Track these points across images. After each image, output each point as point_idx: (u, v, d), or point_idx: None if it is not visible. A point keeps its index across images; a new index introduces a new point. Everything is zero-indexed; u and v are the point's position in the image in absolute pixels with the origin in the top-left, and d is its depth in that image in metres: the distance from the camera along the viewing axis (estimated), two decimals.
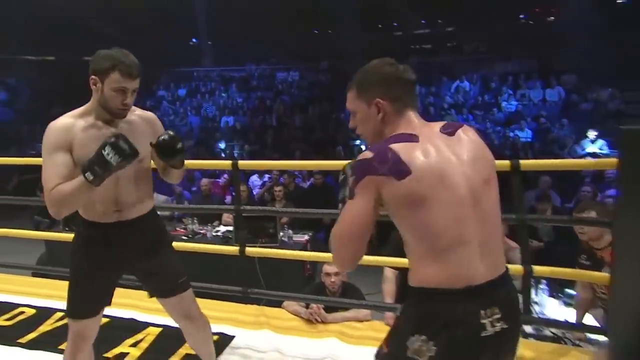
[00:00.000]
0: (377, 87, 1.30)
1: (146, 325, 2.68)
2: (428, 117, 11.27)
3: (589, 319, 2.84)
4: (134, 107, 1.73)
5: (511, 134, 9.74)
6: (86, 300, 1.78)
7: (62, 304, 2.90)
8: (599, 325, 2.70)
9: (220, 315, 2.76)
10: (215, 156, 9.84)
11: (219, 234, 4.69)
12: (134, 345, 2.51)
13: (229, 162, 2.81)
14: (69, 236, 4.51)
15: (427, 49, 14.30)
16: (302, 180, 7.38)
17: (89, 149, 1.56)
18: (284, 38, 14.87)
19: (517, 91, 11.20)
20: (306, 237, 4.77)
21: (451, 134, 1.27)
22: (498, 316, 1.19)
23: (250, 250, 2.82)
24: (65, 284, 3.26)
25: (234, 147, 11.27)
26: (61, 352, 2.41)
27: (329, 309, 2.79)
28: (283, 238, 4.54)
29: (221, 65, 15.62)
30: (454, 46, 13.84)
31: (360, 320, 2.76)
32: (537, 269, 2.39)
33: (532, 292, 2.55)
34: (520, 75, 11.38)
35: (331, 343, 2.49)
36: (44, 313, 2.85)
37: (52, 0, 11.84)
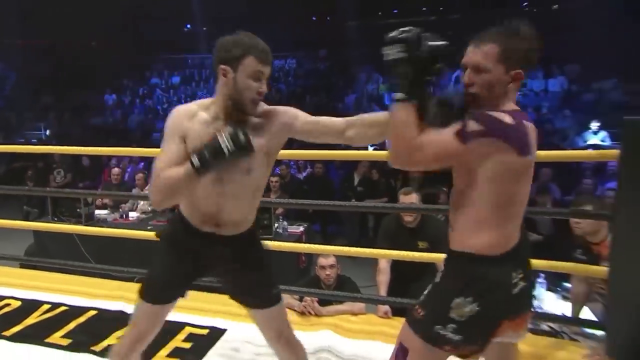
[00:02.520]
0: (522, 59, 1.28)
1: None
2: None
3: (587, 314, 2.86)
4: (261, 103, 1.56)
5: None
6: (157, 287, 1.67)
7: (49, 296, 2.92)
8: (596, 320, 2.72)
9: (210, 307, 2.75)
10: None
11: None
12: None
13: None
14: (58, 226, 4.48)
15: None
16: (297, 172, 7.38)
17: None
18: (281, 25, 14.76)
19: None
20: (301, 228, 4.79)
21: (529, 121, 1.32)
22: (521, 276, 1.34)
23: None
24: (53, 276, 3.29)
25: None
26: (46, 345, 2.41)
27: (324, 302, 2.80)
28: (278, 230, 4.55)
29: None
30: (455, 34, 13.79)
31: (355, 314, 2.76)
32: (535, 262, 2.40)
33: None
34: None
35: (325, 335, 2.48)
36: (30, 305, 2.82)
37: None
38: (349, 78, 13.20)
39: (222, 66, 1.46)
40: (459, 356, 1.37)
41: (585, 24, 10.18)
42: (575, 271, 2.68)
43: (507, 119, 1.23)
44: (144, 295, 1.65)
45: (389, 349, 2.35)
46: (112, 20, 13.76)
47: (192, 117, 1.50)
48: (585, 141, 8.25)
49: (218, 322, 2.61)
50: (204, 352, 2.35)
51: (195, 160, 1.39)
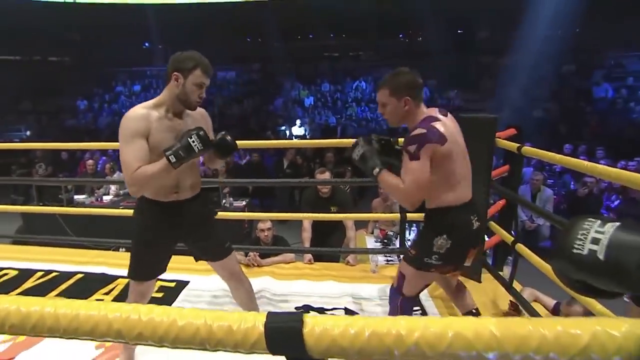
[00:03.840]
0: (405, 89, 1.45)
1: (116, 277, 2.57)
2: (335, 109, 11.48)
3: None
4: None
5: None
6: (147, 266, 1.61)
7: (42, 265, 2.74)
8: None
9: (177, 266, 2.65)
10: None
11: None
12: (107, 293, 2.40)
13: None
14: (43, 209, 4.11)
15: (335, 56, 14.36)
16: (240, 159, 7.27)
17: (162, 137, 1.44)
18: (223, 44, 14.19)
19: None
20: (244, 202, 4.76)
21: (445, 114, 1.49)
22: (476, 218, 1.51)
23: None
24: (42, 249, 3.05)
25: None
26: None
27: (263, 256, 2.83)
28: (225, 204, 4.49)
29: None
30: (355, 55, 14.04)
31: (287, 262, 2.83)
32: (410, 215, 2.62)
33: (407, 232, 2.73)
34: None
35: (265, 280, 2.53)
36: (26, 273, 2.63)
37: (16, 8, 10.27)
38: (277, 86, 13.01)
39: (176, 73, 1.46)
40: (440, 273, 1.58)
41: (438, 52, 11.10)
42: None
43: (420, 130, 1.38)
44: (133, 276, 1.60)
45: (312, 284, 2.49)
46: (81, 40, 12.51)
47: (147, 118, 1.44)
48: None
49: (182, 277, 2.58)
50: (173, 299, 2.34)
51: (172, 157, 1.37)
